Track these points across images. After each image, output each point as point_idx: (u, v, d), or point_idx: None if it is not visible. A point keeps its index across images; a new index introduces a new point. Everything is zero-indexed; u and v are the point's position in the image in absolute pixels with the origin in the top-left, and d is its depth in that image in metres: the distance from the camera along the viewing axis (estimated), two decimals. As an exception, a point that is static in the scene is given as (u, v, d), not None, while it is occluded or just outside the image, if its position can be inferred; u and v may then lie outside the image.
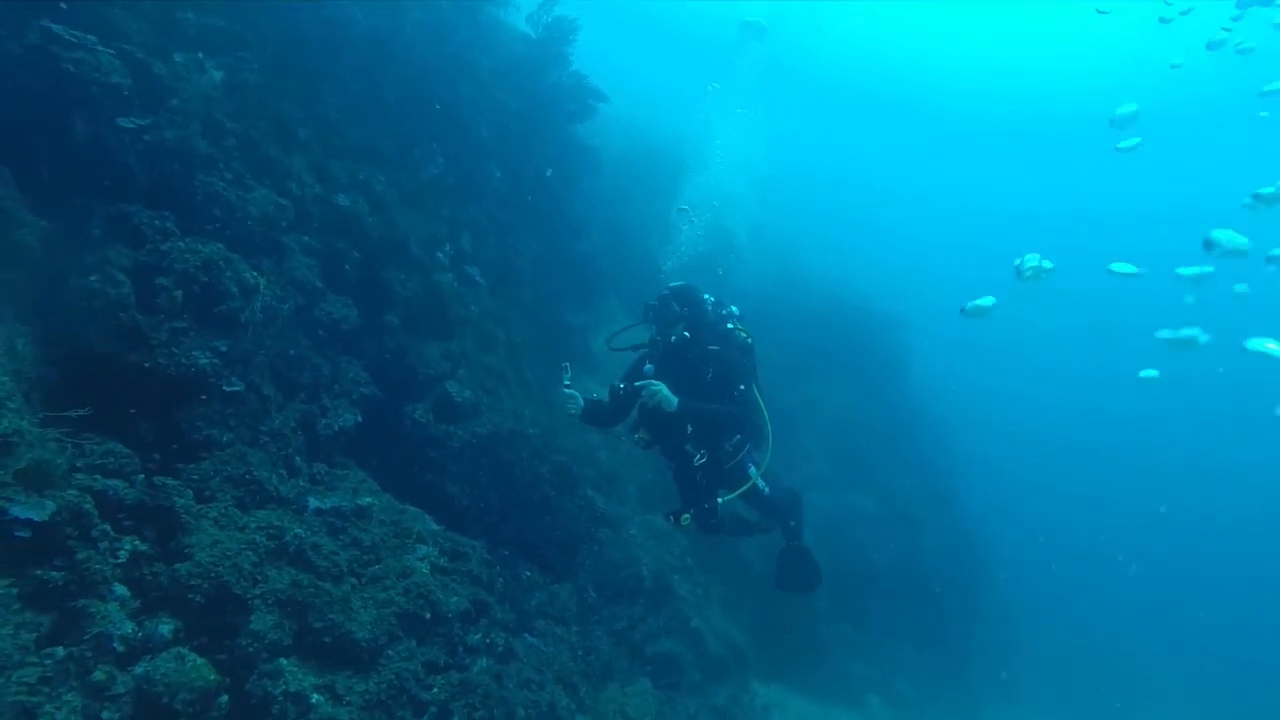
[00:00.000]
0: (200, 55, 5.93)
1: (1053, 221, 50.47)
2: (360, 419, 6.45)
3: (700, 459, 5.03)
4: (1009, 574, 20.02)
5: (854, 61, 44.60)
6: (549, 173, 9.66)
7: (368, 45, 7.35)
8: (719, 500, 5.05)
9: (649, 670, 7.62)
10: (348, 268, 6.95)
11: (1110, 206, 48.52)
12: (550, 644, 6.01)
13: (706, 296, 5.35)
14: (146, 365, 5.11)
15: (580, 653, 6.42)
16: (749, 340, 5.43)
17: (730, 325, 5.38)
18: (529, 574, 6.67)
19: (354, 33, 7.17)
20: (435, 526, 5.96)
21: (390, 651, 4.59)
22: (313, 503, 5.37)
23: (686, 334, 5.01)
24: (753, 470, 5.35)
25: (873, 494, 15.97)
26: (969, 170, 48.84)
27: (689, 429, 5.01)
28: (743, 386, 5.10)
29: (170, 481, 4.66)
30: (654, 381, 4.80)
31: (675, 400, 4.78)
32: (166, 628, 4.07)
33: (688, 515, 4.94)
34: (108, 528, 4.12)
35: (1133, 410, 47.08)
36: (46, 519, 3.77)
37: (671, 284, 5.22)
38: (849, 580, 13.45)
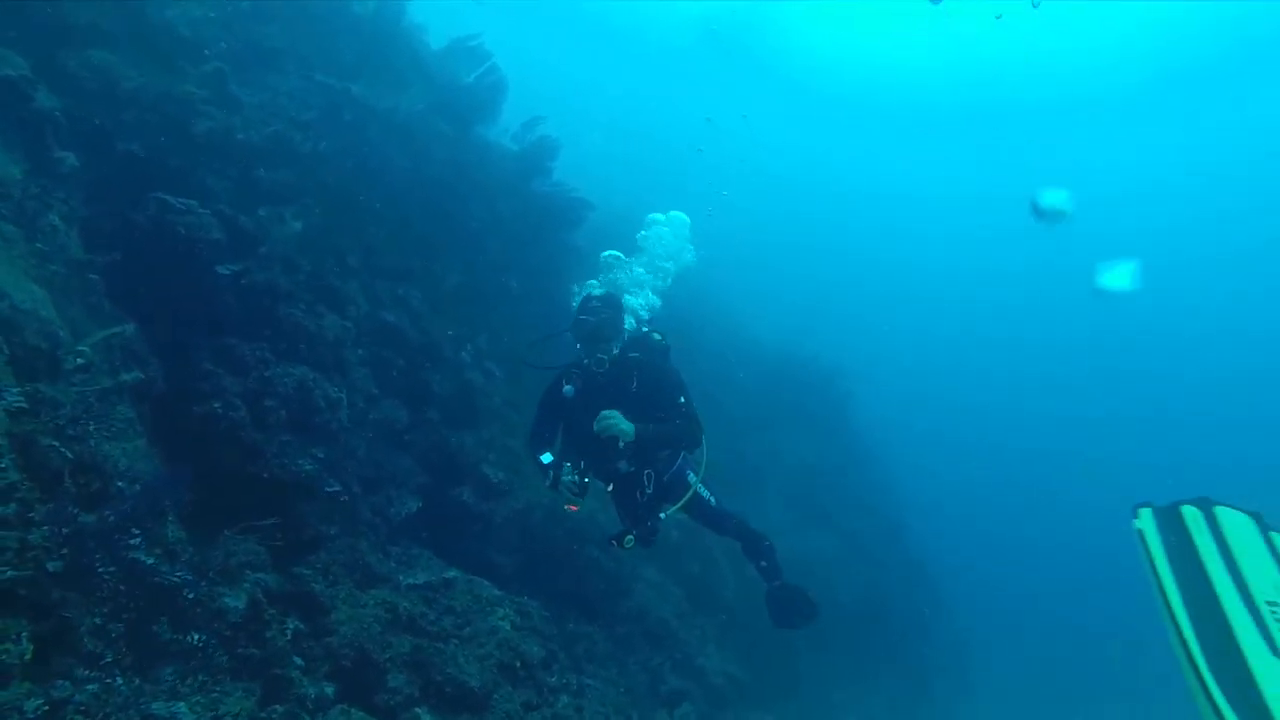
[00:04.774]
0: (280, 210, 7.09)
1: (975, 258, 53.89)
2: (421, 504, 7.53)
3: (649, 486, 4.80)
4: (959, 597, 21.77)
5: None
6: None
7: (402, 180, 8.62)
8: (662, 516, 4.82)
9: (669, 703, 8.74)
10: (394, 374, 8.09)
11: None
12: (600, 682, 7.12)
13: (623, 301, 5.10)
14: (265, 475, 6.15)
15: (621, 689, 7.53)
16: (664, 343, 5.13)
17: (645, 329, 5.14)
18: (572, 626, 7.78)
19: (392, 173, 8.44)
20: (497, 591, 7.05)
21: (496, 695, 5.67)
22: (405, 579, 6.43)
23: (604, 359, 4.66)
24: (691, 477, 5.09)
25: (834, 534, 17.45)
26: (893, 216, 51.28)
27: (621, 444, 4.63)
28: (682, 399, 4.76)
29: (306, 571, 5.69)
30: (608, 413, 4.43)
31: (632, 429, 4.43)
32: (330, 689, 5.09)
33: (630, 537, 4.62)
34: (275, 611, 5.14)
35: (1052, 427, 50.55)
36: (243, 606, 4.81)
37: (597, 293, 4.85)
38: (822, 615, 14.80)
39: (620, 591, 9.16)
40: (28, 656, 2.73)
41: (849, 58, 40.21)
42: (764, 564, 5.51)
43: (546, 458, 4.78)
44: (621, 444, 4.57)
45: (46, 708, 2.83)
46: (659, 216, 6.91)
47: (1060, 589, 35.01)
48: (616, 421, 4.40)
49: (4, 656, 2.55)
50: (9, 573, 3.05)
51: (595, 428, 4.43)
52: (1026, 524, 42.50)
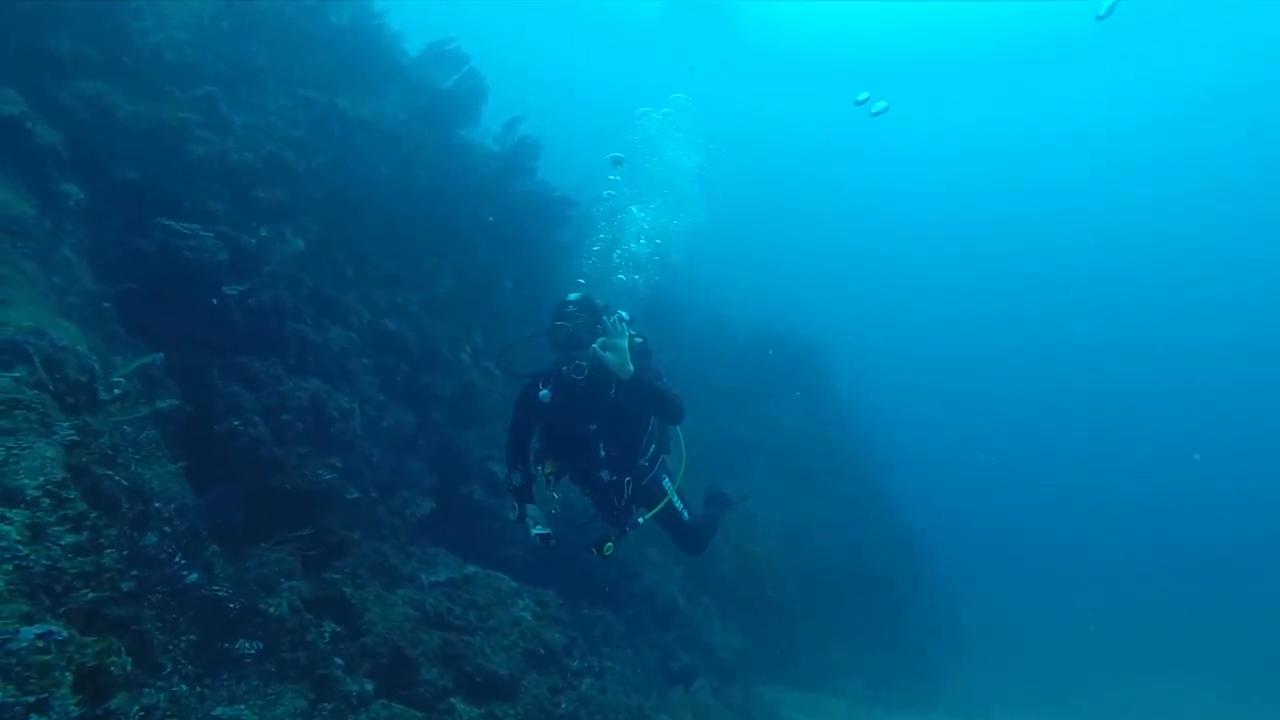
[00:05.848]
0: (281, 228, 7.28)
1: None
2: (434, 505, 7.81)
3: (627, 492, 4.73)
4: (946, 556, 22.48)
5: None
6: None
7: (391, 188, 8.81)
8: (640, 521, 4.81)
9: (682, 679, 9.14)
10: (398, 379, 8.33)
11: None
12: (618, 663, 7.49)
13: (599, 304, 4.80)
14: (287, 487, 6.39)
15: (637, 669, 7.90)
16: (645, 345, 4.79)
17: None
18: (586, 611, 8.13)
19: (381, 182, 8.62)
20: (515, 584, 7.37)
21: (524, 681, 6.00)
22: (427, 577, 6.72)
23: (583, 365, 4.40)
24: (666, 483, 5.09)
25: (823, 501, 17.96)
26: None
27: (601, 452, 4.62)
28: (662, 382, 4.55)
29: (336, 576, 5.96)
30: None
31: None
32: (370, 685, 5.39)
33: (610, 545, 4.63)
34: (312, 617, 5.42)
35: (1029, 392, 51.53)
36: (285, 613, 5.08)
37: (572, 296, 4.63)
38: (816, 582, 15.33)
39: (629, 575, 9.51)
40: (129, 668, 3.01)
41: (816, 19, 39.17)
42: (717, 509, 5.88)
43: (517, 479, 4.80)
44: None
45: (142, 714, 3.11)
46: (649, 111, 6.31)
47: (1046, 540, 36.06)
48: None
49: (112, 669, 2.82)
50: (90, 594, 3.31)
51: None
52: (1011, 480, 43.60)
